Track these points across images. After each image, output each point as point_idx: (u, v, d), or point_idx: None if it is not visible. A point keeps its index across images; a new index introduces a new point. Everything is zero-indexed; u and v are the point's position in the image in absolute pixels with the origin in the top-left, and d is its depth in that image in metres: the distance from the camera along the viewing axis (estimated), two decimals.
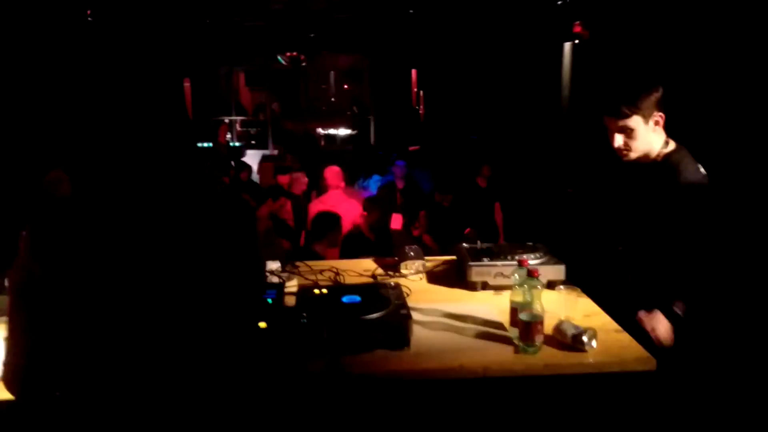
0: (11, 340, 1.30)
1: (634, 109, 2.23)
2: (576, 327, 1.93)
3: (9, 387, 1.31)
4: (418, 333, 1.99)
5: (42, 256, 1.25)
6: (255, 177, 8.79)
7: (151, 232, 1.28)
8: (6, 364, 1.31)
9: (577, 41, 6.08)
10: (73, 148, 1.35)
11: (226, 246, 1.36)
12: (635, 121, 2.24)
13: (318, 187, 6.25)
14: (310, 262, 2.76)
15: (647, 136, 2.27)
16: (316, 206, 5.03)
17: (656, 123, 2.27)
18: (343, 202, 5.09)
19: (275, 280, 2.40)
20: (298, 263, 2.74)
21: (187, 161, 1.38)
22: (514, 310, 1.96)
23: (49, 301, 1.24)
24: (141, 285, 1.27)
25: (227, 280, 1.36)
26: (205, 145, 8.39)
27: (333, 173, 5.36)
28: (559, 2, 6.05)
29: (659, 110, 2.26)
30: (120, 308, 1.26)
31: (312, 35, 8.73)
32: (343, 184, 5.48)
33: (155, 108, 1.35)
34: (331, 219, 4.13)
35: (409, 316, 1.93)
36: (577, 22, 6.03)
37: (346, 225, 4.50)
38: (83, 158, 1.32)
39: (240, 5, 7.92)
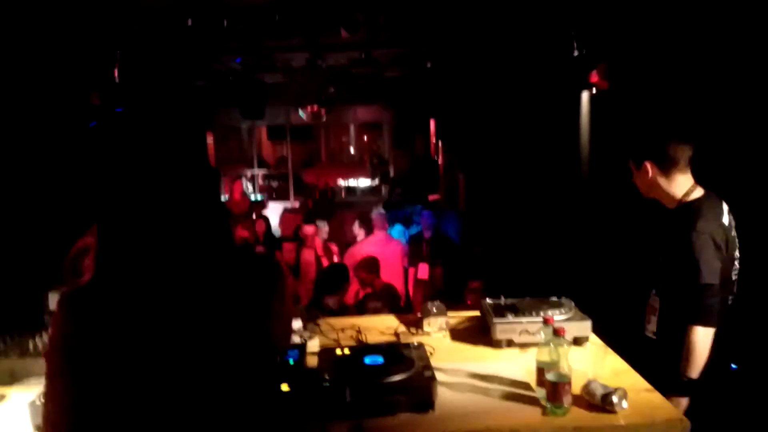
0: (48, 405, 1.29)
1: (646, 158, 2.36)
2: (605, 387, 1.88)
3: None
4: (442, 394, 1.94)
5: (88, 332, 1.25)
6: (275, 229, 8.86)
7: (180, 295, 1.29)
8: (43, 427, 1.31)
9: (594, 91, 6.11)
10: (100, 206, 1.36)
11: (256, 305, 1.35)
12: (647, 169, 2.36)
13: (337, 237, 6.32)
14: (331, 320, 2.75)
15: (662, 183, 2.35)
16: (364, 248, 5.20)
17: (670, 170, 2.31)
18: (388, 244, 5.33)
19: (297, 339, 2.38)
20: (319, 321, 2.72)
21: (213, 217, 1.38)
22: (541, 370, 1.92)
23: (85, 367, 1.24)
24: (170, 349, 1.26)
25: (257, 341, 1.35)
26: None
27: (380, 217, 5.64)
28: (576, 53, 6.11)
29: (676, 159, 2.30)
30: (151, 373, 1.25)
31: (331, 90, 8.90)
32: (387, 226, 5.77)
33: (181, 163, 1.36)
34: (342, 272, 4.17)
35: (434, 378, 1.90)
36: (595, 72, 6.07)
37: (390, 266, 4.64)
38: (110, 216, 1.34)
39: (261, 62, 8.14)
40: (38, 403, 1.81)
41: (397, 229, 6.68)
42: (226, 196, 9.01)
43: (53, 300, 2.55)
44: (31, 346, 2.33)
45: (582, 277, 4.52)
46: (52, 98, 4.92)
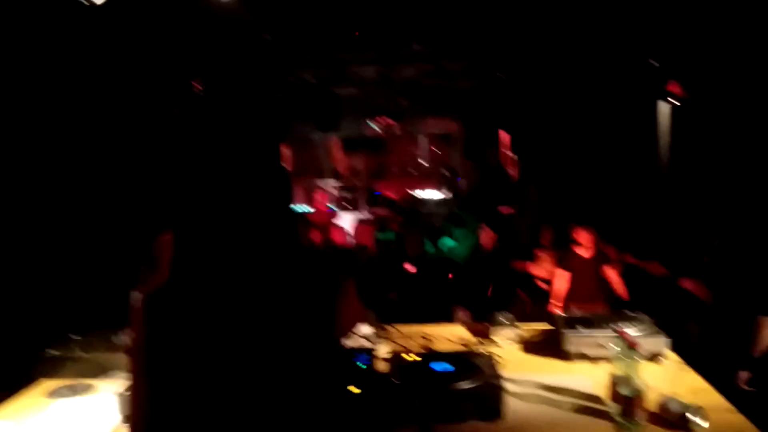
0: (134, 396, 1.38)
1: None
2: (683, 405, 1.82)
3: None
4: (511, 404, 1.93)
5: (166, 332, 1.33)
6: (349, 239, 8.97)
7: (249, 296, 1.34)
8: (131, 418, 1.40)
9: (674, 101, 5.92)
10: (181, 209, 1.44)
11: (319, 306, 1.40)
12: None
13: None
14: (400, 327, 2.77)
15: None
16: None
17: None
18: None
19: (367, 344, 2.42)
20: (388, 326, 2.76)
21: (284, 220, 1.44)
22: (614, 384, 1.88)
23: (175, 376, 1.32)
24: (239, 348, 1.32)
25: (320, 339, 1.39)
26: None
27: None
28: (656, 63, 5.95)
29: None
30: (218, 369, 1.31)
31: (403, 102, 8.98)
32: None
33: (256, 171, 1.42)
34: None
35: (502, 387, 1.89)
36: (674, 82, 5.89)
37: None
38: (187, 218, 1.41)
39: (335, 75, 8.33)
40: (126, 394, 1.92)
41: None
42: (308, 207, 9.20)
43: (136, 299, 2.71)
44: (117, 341, 2.47)
45: (661, 293, 4.36)
46: (137, 107, 5.20)
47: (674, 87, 5.91)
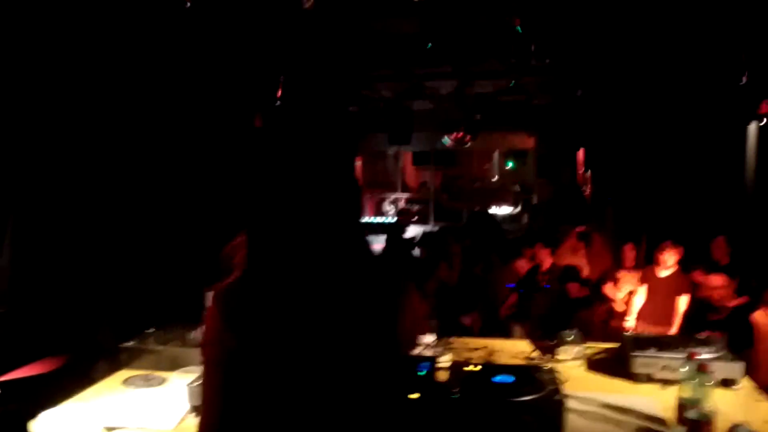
0: (206, 407, 1.42)
1: None
2: None
3: None
4: (572, 421, 1.90)
5: (236, 328, 1.36)
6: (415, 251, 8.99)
7: (318, 299, 1.37)
8: (200, 409, 1.47)
9: (764, 121, 5.65)
10: (255, 216, 1.49)
11: (385, 314, 1.41)
12: None
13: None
14: (464, 339, 2.77)
15: None
16: None
17: None
18: None
19: (429, 353, 2.44)
20: (452, 339, 2.76)
21: (354, 230, 1.47)
22: (682, 407, 1.82)
23: (243, 370, 1.35)
24: (306, 350, 1.35)
25: (384, 347, 1.41)
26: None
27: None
28: (743, 82, 5.69)
29: None
30: (287, 369, 1.34)
31: (477, 117, 8.94)
32: None
33: (329, 180, 1.46)
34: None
35: (563, 402, 1.86)
36: (764, 102, 5.62)
37: None
38: (261, 222, 1.46)
39: (411, 90, 8.39)
40: (195, 385, 2.01)
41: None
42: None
43: (210, 297, 2.83)
44: (191, 337, 2.59)
45: (741, 317, 4.15)
46: (220, 117, 5.42)
47: (765, 107, 5.64)
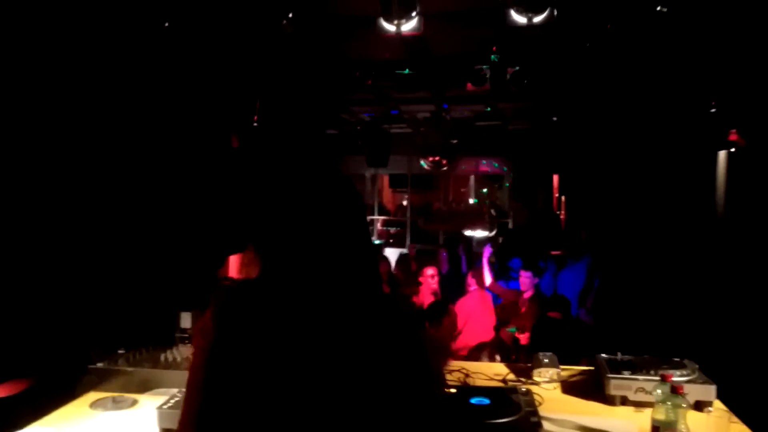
0: (187, 399, 1.36)
1: None
2: None
3: None
4: None
5: (227, 332, 1.30)
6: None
7: (324, 327, 1.29)
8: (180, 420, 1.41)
9: (732, 149, 5.79)
10: (264, 233, 1.42)
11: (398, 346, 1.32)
12: None
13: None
14: None
15: None
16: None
17: None
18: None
19: None
20: None
21: (361, 251, 1.42)
22: (656, 429, 1.82)
23: (225, 374, 1.29)
24: (309, 376, 1.27)
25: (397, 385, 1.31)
26: None
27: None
28: (713, 110, 5.84)
29: None
30: (287, 396, 1.27)
31: (454, 141, 9.03)
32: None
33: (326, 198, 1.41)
34: (443, 306, 4.28)
35: (540, 424, 1.86)
36: (733, 130, 5.77)
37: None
38: (276, 243, 1.40)
39: (388, 114, 8.47)
40: (165, 408, 1.97)
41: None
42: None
43: (185, 319, 2.77)
44: (162, 358, 2.54)
45: (711, 341, 4.21)
46: (197, 137, 5.39)
47: (733, 135, 5.79)
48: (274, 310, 1.31)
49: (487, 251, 6.72)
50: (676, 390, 1.79)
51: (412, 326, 1.36)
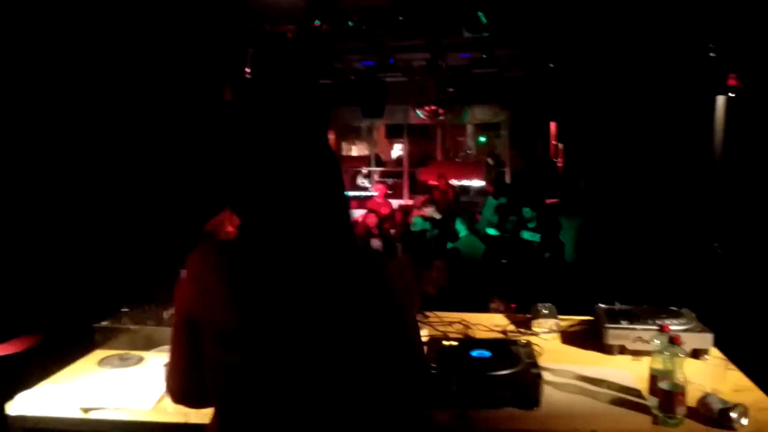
0: (171, 364, 1.44)
1: None
2: (724, 401, 1.80)
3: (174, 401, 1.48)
4: (549, 393, 1.94)
5: (230, 281, 1.33)
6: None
7: (307, 281, 1.34)
8: (167, 383, 1.46)
9: (732, 94, 5.73)
10: (241, 193, 1.44)
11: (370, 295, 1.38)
12: None
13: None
14: (440, 313, 2.79)
15: None
16: None
17: None
18: None
19: None
20: (428, 313, 2.78)
21: (337, 206, 1.44)
22: (654, 378, 1.86)
23: (209, 333, 1.33)
24: (294, 329, 1.32)
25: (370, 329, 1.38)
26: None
27: None
28: (712, 54, 5.75)
29: None
30: (275, 348, 1.32)
31: (451, 90, 8.92)
32: None
33: (306, 153, 1.43)
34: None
35: (540, 375, 1.90)
36: (733, 75, 5.69)
37: None
38: (253, 203, 1.42)
39: (383, 62, 8.33)
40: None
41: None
42: (375, 192, 9.41)
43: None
44: (165, 316, 2.56)
45: (710, 289, 4.26)
46: (188, 93, 5.31)
47: (733, 80, 5.72)
48: (250, 266, 1.34)
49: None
50: (673, 340, 1.82)
51: (382, 281, 1.39)
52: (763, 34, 5.09)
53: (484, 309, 3.19)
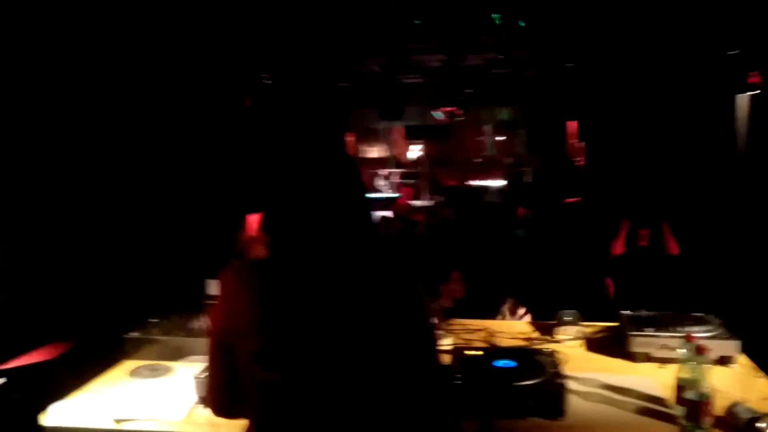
0: (210, 378, 1.48)
1: None
2: (752, 411, 1.79)
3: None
4: (574, 403, 1.94)
5: (264, 301, 1.38)
6: None
7: (337, 297, 1.37)
8: (206, 398, 1.50)
9: (754, 92, 5.66)
10: (256, 200, 1.48)
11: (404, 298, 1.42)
12: None
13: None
14: (464, 321, 2.81)
15: None
16: None
17: None
18: None
19: None
20: (452, 321, 2.80)
21: (356, 208, 1.47)
22: (680, 387, 1.86)
23: (245, 350, 1.37)
24: (324, 344, 1.36)
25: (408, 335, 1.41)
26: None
27: None
28: (732, 52, 5.69)
29: None
30: (305, 355, 1.35)
31: (469, 90, 8.91)
32: None
33: (325, 158, 1.46)
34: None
35: (564, 385, 1.90)
36: (754, 72, 5.62)
37: None
38: (271, 207, 1.46)
39: (401, 63, 8.34)
40: (202, 377, 2.04)
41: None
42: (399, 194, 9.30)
43: (211, 286, 2.83)
44: (193, 326, 2.61)
45: (737, 294, 4.21)
46: (210, 101, 5.38)
47: (755, 77, 5.65)
48: (281, 286, 1.38)
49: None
50: (699, 350, 1.82)
51: (412, 299, 1.42)
52: None
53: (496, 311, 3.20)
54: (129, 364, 2.45)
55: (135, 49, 4.23)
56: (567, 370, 2.13)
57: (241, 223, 2.90)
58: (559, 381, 1.93)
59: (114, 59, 4.03)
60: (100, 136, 3.80)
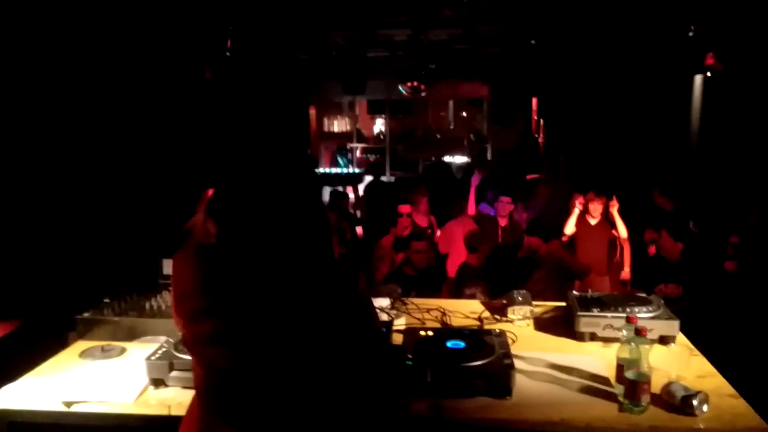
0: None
1: None
2: (686, 389, 1.88)
3: None
4: (521, 382, 2.00)
5: (211, 287, 1.42)
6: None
7: (280, 283, 1.42)
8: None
9: (708, 74, 5.79)
10: (213, 174, 1.50)
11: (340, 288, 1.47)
12: None
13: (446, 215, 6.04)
14: (417, 300, 2.85)
15: None
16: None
17: None
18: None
19: (384, 317, 2.51)
20: (407, 300, 2.84)
21: (309, 202, 1.49)
22: (620, 367, 1.93)
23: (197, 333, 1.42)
24: (273, 324, 1.41)
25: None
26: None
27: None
28: (691, 33, 5.80)
29: None
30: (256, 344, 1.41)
31: (432, 66, 8.89)
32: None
33: (289, 145, 1.49)
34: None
35: (512, 366, 1.96)
36: (710, 54, 5.75)
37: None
38: (220, 187, 1.47)
39: (364, 37, 8.26)
40: (153, 359, 2.04)
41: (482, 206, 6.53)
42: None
43: (167, 266, 2.81)
44: (147, 306, 2.58)
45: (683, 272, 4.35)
46: (169, 73, 5.25)
47: (710, 59, 5.78)
48: (228, 272, 1.43)
49: (476, 180, 6.76)
50: (640, 332, 1.89)
51: (354, 289, 1.49)
52: (742, 14, 5.13)
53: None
54: (81, 345, 2.43)
55: (90, 17, 4.09)
56: (516, 349, 2.19)
57: (198, 201, 2.88)
58: (506, 362, 1.99)
59: (66, 27, 3.90)
60: (49, 111, 3.69)
